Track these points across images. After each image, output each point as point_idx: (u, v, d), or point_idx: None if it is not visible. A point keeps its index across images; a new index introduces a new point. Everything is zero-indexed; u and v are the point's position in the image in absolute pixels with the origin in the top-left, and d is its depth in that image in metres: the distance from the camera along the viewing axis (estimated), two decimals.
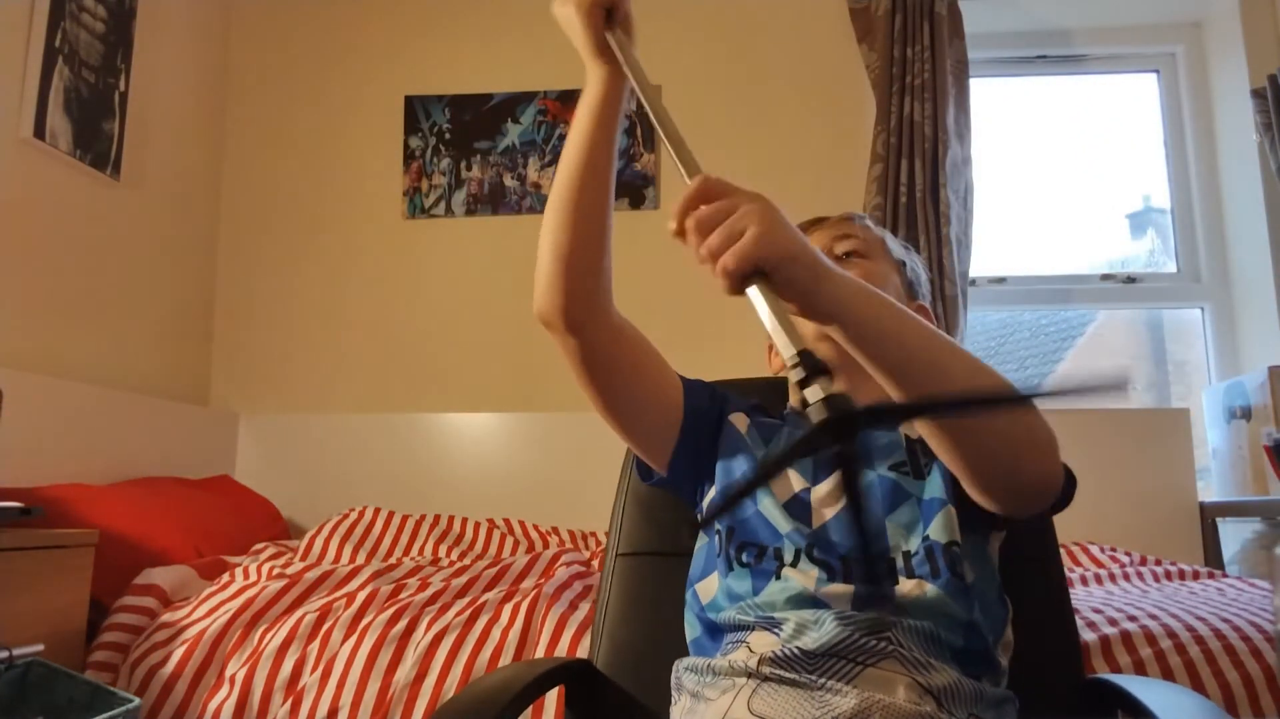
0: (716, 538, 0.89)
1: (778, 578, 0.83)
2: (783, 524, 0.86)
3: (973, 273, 2.55)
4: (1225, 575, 1.93)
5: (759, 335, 0.76)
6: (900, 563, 0.82)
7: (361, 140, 2.79)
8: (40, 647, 1.37)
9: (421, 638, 1.44)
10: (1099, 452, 2.38)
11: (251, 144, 2.82)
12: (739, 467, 0.92)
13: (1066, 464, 0.77)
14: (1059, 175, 2.91)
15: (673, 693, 0.87)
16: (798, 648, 0.77)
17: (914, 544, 0.82)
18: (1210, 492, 2.47)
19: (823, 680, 0.74)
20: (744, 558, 0.86)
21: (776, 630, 0.80)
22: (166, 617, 1.58)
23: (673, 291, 2.59)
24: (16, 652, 1.32)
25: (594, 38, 0.85)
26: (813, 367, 0.53)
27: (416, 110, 2.77)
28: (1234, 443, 2.37)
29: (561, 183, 0.90)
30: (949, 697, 0.74)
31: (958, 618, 0.79)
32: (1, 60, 1.98)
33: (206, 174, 2.75)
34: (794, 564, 0.83)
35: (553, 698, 1.33)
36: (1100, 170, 2.91)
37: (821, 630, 0.77)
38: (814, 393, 0.52)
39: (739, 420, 0.97)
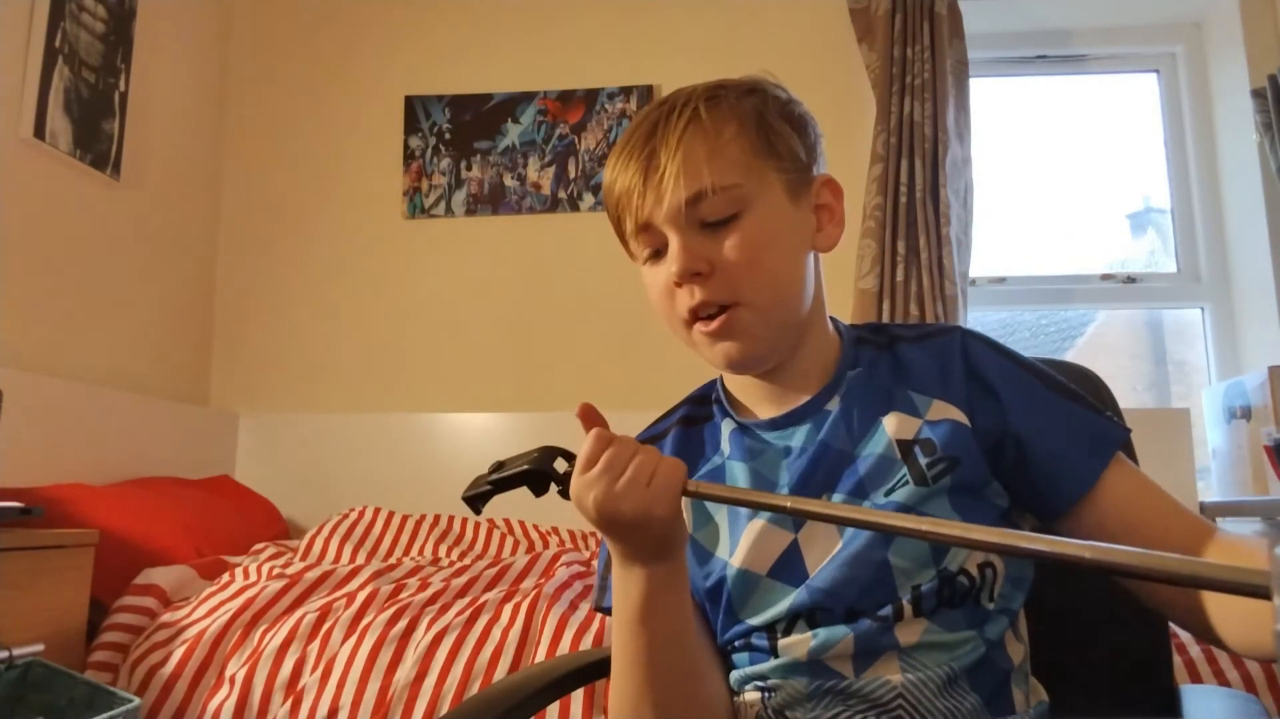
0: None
1: (775, 654, 0.75)
2: (778, 602, 0.74)
3: (973, 273, 2.55)
4: None
5: None
6: (908, 597, 0.71)
7: (361, 140, 2.79)
8: (40, 647, 1.37)
9: (421, 638, 1.44)
10: None
11: (251, 144, 2.82)
12: (703, 537, 0.80)
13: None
14: (1059, 175, 2.91)
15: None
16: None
17: (925, 576, 0.71)
18: (1210, 492, 2.47)
19: None
20: (736, 643, 0.78)
21: (768, 695, 0.75)
22: (166, 617, 1.58)
23: None
24: (16, 652, 1.32)
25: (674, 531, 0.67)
26: None
27: (416, 110, 2.77)
28: (1234, 443, 2.37)
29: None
30: None
31: (975, 646, 0.71)
32: (1, 60, 1.98)
33: (206, 174, 2.75)
34: (788, 633, 0.74)
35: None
36: (1100, 170, 2.91)
37: (816, 711, 0.71)
38: None
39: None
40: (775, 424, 0.79)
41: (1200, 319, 2.73)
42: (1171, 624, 1.35)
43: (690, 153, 0.73)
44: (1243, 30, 2.61)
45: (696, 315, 0.75)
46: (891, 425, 0.75)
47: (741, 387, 0.84)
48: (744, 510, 0.77)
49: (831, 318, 0.83)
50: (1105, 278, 2.75)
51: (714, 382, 0.87)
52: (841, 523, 0.58)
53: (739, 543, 0.76)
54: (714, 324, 0.74)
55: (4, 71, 1.98)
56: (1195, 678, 1.30)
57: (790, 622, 0.74)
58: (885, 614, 0.71)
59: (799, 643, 0.73)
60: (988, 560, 0.72)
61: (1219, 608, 0.63)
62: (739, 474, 0.79)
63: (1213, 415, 2.48)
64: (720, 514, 0.79)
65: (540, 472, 0.72)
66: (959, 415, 0.74)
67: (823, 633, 0.72)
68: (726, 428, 0.82)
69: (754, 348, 0.75)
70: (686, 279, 0.73)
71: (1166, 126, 2.81)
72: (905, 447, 0.74)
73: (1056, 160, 2.91)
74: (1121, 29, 2.82)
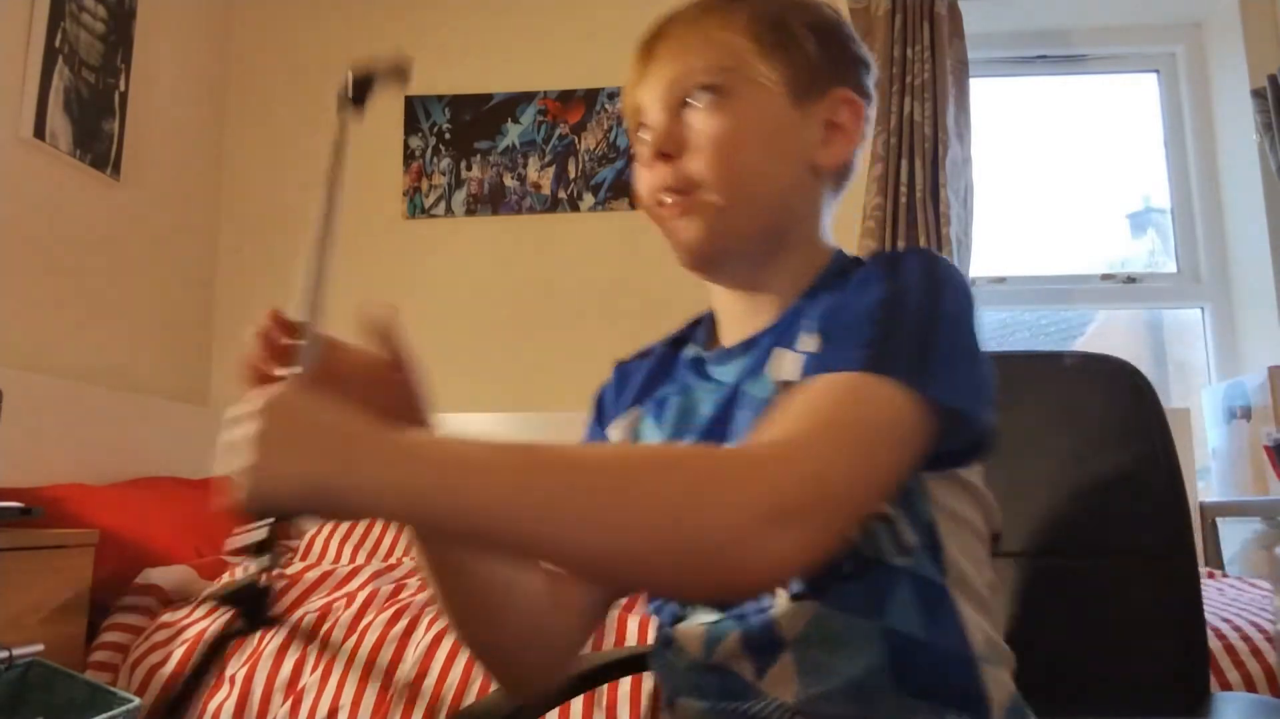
0: None
1: (667, 646, 0.67)
2: None
3: (973, 273, 2.55)
4: (1225, 575, 1.93)
5: None
6: None
7: (361, 140, 2.78)
8: (40, 647, 1.37)
9: (421, 638, 1.44)
10: None
11: (251, 144, 2.82)
12: None
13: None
14: (1059, 175, 2.91)
15: None
16: None
17: None
18: (1210, 492, 2.47)
19: None
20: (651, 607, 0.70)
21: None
22: (166, 617, 1.58)
23: (678, 290, 2.58)
24: (16, 652, 1.32)
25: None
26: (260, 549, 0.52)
27: (416, 110, 2.77)
28: (1234, 443, 2.37)
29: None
30: None
31: (887, 633, 0.58)
32: (1, 60, 1.98)
33: (206, 174, 2.75)
34: (689, 609, 0.66)
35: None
36: (1100, 170, 2.91)
37: None
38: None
39: (617, 432, 0.76)
40: (727, 355, 0.71)
41: (1200, 319, 2.73)
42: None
43: (688, 34, 0.70)
44: (1243, 30, 2.61)
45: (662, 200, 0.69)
46: (777, 364, 0.66)
47: (721, 307, 0.75)
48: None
49: (840, 249, 0.73)
50: (1105, 278, 2.75)
51: None
52: None
53: None
54: (675, 201, 0.68)
55: (4, 71, 1.98)
56: None
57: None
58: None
59: (693, 637, 0.64)
60: (875, 513, 0.58)
61: None
62: (671, 410, 0.71)
63: (1213, 415, 2.48)
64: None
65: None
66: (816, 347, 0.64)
67: (711, 624, 0.64)
68: (687, 356, 0.75)
69: (713, 239, 0.68)
70: (656, 157, 0.68)
71: (1166, 126, 2.80)
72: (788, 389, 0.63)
73: (1056, 160, 2.91)
74: (1121, 29, 2.82)
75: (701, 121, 0.67)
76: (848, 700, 0.57)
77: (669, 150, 0.68)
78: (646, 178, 0.70)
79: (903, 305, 0.59)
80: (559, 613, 0.69)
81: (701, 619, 0.64)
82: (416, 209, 2.73)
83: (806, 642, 0.59)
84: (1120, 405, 0.87)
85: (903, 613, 0.58)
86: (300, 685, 1.41)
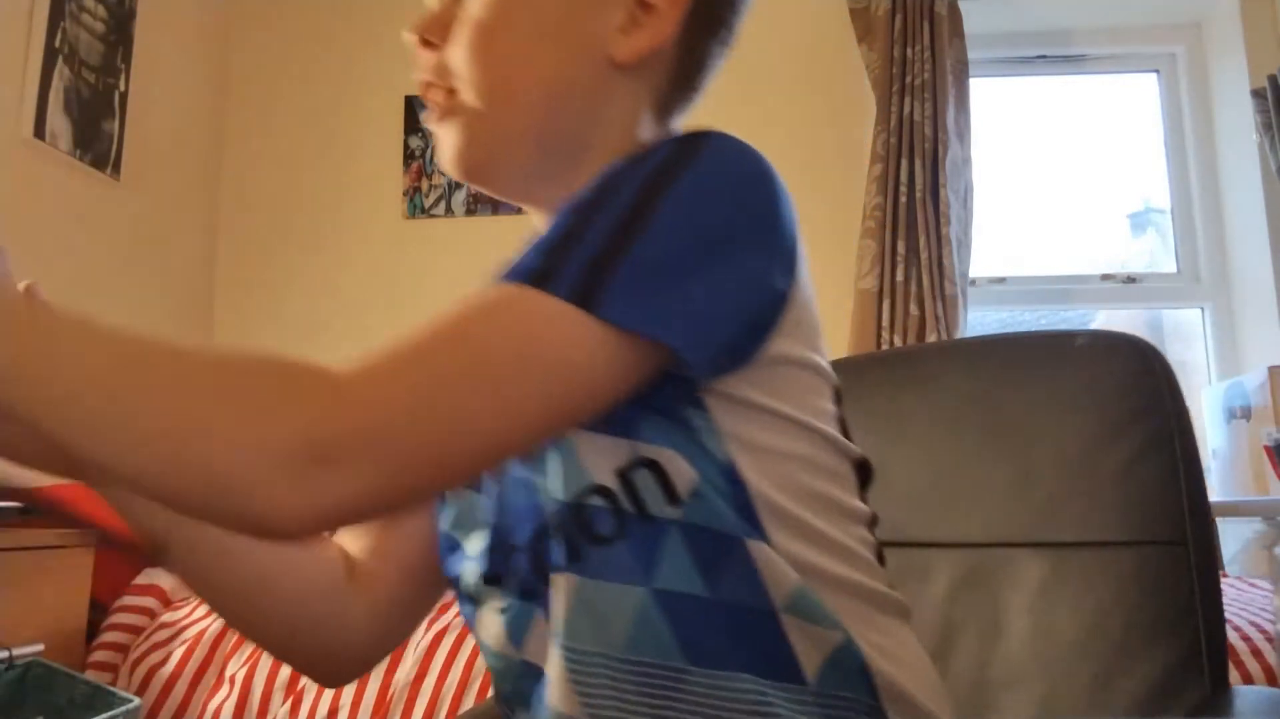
0: None
1: (473, 632, 0.58)
2: (478, 532, 0.56)
3: (973, 273, 2.55)
4: (1225, 575, 1.94)
5: None
6: (525, 539, 0.52)
7: (361, 140, 2.79)
8: (40, 647, 1.37)
9: (421, 638, 1.44)
10: None
11: (251, 144, 2.82)
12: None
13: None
14: (1059, 175, 2.91)
15: None
16: None
17: (554, 496, 0.51)
18: (1210, 492, 2.46)
19: None
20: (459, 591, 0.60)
21: None
22: (166, 617, 1.58)
23: None
24: (16, 652, 1.32)
25: None
26: None
27: (417, 110, 2.77)
28: (1234, 443, 2.36)
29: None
30: None
31: (633, 601, 0.47)
32: (1, 60, 1.98)
33: (206, 174, 2.75)
34: (481, 595, 0.56)
35: None
36: (1100, 170, 2.91)
37: None
38: None
39: None
40: None
41: (1200, 319, 2.73)
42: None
43: None
44: (1243, 30, 2.61)
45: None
46: None
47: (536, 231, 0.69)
48: None
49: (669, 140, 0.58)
50: (1105, 278, 2.75)
51: None
52: None
53: None
54: (437, 102, 0.59)
55: (4, 71, 1.98)
56: None
57: (480, 575, 0.56)
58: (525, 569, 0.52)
59: (489, 626, 0.55)
60: (641, 458, 0.48)
61: None
62: None
63: (1213, 416, 2.48)
64: None
65: None
66: None
67: (500, 610, 0.54)
68: None
69: (475, 149, 0.57)
70: (419, 44, 0.59)
71: (1166, 126, 2.80)
72: None
73: (1056, 160, 2.91)
74: (1121, 29, 2.82)
75: (468, 4, 0.57)
76: (633, 693, 0.47)
77: (430, 36, 0.58)
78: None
79: (610, 200, 0.47)
80: (359, 598, 0.61)
81: (494, 606, 0.54)
82: (416, 209, 2.73)
83: (574, 628, 0.48)
84: (1133, 382, 0.85)
85: (676, 571, 0.47)
86: (300, 685, 1.41)
